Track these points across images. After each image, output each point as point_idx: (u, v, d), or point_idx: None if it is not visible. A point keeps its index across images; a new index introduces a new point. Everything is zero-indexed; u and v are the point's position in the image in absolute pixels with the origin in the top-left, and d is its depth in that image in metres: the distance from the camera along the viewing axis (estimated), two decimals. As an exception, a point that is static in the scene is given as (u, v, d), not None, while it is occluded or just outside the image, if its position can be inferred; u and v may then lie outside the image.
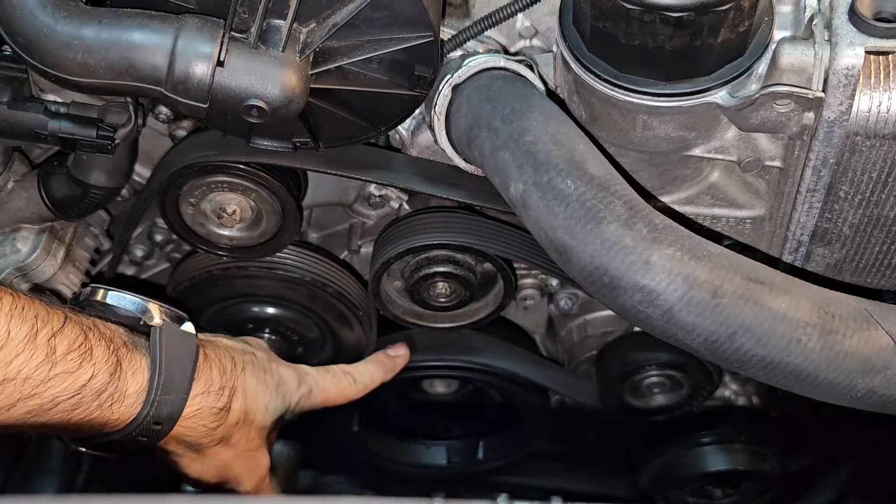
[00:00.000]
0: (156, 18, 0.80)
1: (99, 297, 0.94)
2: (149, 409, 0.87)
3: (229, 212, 1.06)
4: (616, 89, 0.84)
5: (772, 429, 1.47)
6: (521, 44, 0.99)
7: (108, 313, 0.92)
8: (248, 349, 1.05)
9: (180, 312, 0.96)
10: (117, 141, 0.97)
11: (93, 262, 1.22)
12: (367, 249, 1.21)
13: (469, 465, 1.52)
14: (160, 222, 1.21)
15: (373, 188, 1.14)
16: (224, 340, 1.04)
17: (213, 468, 1.00)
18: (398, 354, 1.23)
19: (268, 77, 0.81)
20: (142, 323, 0.93)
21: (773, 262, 1.00)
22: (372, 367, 1.19)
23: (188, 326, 0.96)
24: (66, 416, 0.83)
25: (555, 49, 0.91)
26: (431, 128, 0.96)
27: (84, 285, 0.96)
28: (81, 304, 0.93)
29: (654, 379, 1.30)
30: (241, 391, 0.98)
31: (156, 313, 0.93)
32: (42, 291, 1.17)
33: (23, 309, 0.79)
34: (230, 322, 1.21)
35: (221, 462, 1.00)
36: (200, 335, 1.01)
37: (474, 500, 0.70)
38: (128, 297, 0.94)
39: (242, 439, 1.00)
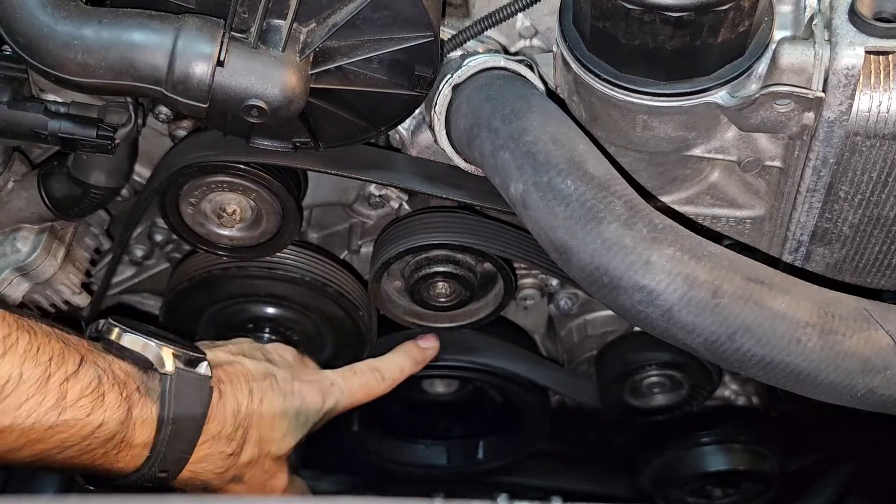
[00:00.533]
0: (156, 18, 0.80)
1: (114, 336, 0.91)
2: (154, 459, 0.87)
3: (229, 212, 1.06)
4: (616, 89, 0.84)
5: (772, 429, 1.47)
6: (521, 44, 0.99)
7: (122, 353, 0.90)
8: (270, 371, 1.02)
9: (196, 354, 0.94)
10: (117, 141, 0.97)
11: (93, 262, 1.22)
12: (367, 249, 1.21)
13: (469, 465, 1.52)
14: (160, 222, 1.21)
15: (373, 188, 1.14)
16: (245, 364, 1.01)
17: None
18: (429, 346, 1.21)
19: (268, 77, 0.81)
20: (155, 368, 0.91)
21: (773, 262, 1.00)
22: (401, 360, 1.17)
23: (203, 368, 0.93)
24: (72, 461, 0.83)
25: (555, 49, 0.91)
26: (431, 128, 0.96)
27: (101, 315, 0.94)
28: (97, 337, 0.91)
29: (654, 379, 1.30)
30: (255, 429, 0.97)
31: (168, 361, 0.90)
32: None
33: (38, 350, 0.79)
34: (230, 322, 1.21)
35: (234, 495, 0.99)
36: (220, 353, 0.99)
37: (474, 500, 0.70)
38: (141, 339, 0.91)
39: (257, 473, 0.99)
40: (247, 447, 0.96)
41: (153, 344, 0.90)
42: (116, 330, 0.91)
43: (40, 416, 0.78)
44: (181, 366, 0.91)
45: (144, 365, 0.90)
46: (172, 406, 0.88)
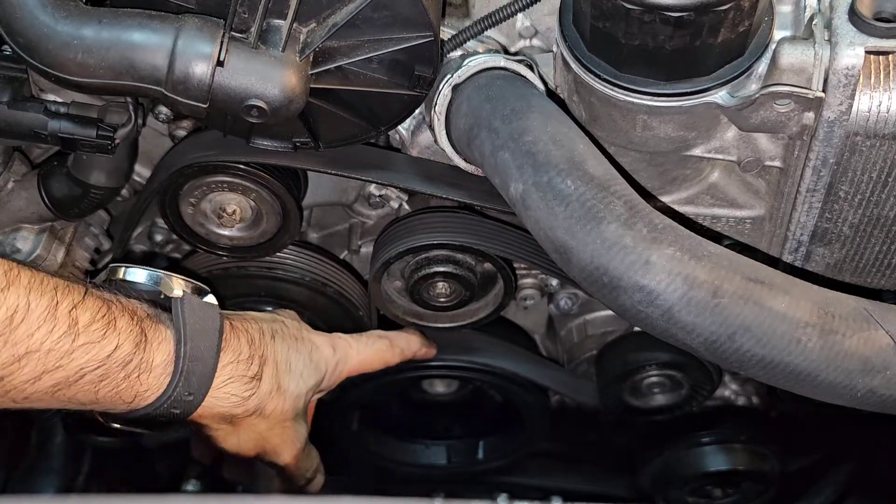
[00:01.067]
0: (156, 18, 0.80)
1: (119, 275, 0.93)
2: (178, 378, 0.86)
3: (229, 212, 1.06)
4: (616, 89, 0.84)
5: (772, 429, 1.47)
6: (521, 44, 0.99)
7: (128, 290, 0.90)
8: (278, 318, 1.03)
9: (201, 285, 0.95)
10: (117, 141, 0.97)
11: (93, 262, 1.22)
12: (367, 249, 1.21)
13: (469, 465, 1.52)
14: (160, 222, 1.21)
15: (373, 188, 1.14)
16: (251, 313, 1.02)
17: (249, 440, 0.99)
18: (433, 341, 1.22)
19: (268, 77, 0.81)
20: (163, 297, 0.91)
21: (773, 262, 1.00)
22: (410, 336, 1.18)
23: (210, 298, 0.95)
24: (94, 389, 0.82)
25: (555, 49, 0.91)
26: (431, 128, 0.96)
27: (104, 267, 0.95)
28: (101, 284, 0.92)
29: (654, 379, 1.30)
30: (271, 360, 0.96)
31: (176, 285, 0.92)
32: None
33: (41, 282, 0.78)
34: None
35: (258, 433, 0.98)
36: (226, 311, 0.99)
37: (474, 500, 0.70)
38: (147, 271, 0.93)
39: (277, 409, 0.98)
40: (265, 376, 0.95)
41: (159, 273, 0.92)
42: (122, 269, 0.92)
43: (54, 342, 0.78)
44: (188, 292, 0.92)
45: (153, 298, 0.90)
46: (187, 325, 0.88)
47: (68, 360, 0.79)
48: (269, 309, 1.19)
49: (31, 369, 0.77)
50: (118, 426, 0.93)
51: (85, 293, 0.81)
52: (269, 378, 0.96)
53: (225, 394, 0.92)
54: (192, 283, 0.95)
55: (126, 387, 0.84)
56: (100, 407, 0.87)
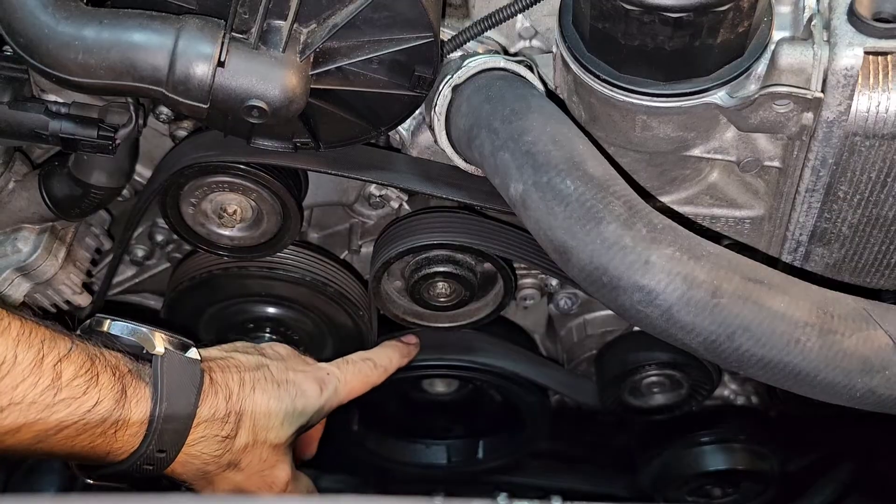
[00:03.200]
0: (156, 19, 0.80)
1: (104, 327, 0.94)
2: (152, 437, 0.88)
3: (230, 212, 1.06)
4: (615, 89, 0.84)
5: (771, 429, 1.47)
6: (521, 44, 0.99)
7: (112, 342, 0.92)
8: (263, 363, 1.03)
9: (185, 340, 0.96)
10: (118, 141, 0.97)
11: (94, 262, 1.22)
12: (367, 249, 1.22)
13: (469, 465, 1.52)
14: (161, 222, 1.21)
15: (373, 188, 1.14)
16: (237, 357, 1.02)
17: (226, 491, 1.00)
18: (411, 342, 1.24)
19: (268, 77, 0.81)
20: (145, 352, 0.93)
21: (773, 262, 1.00)
22: (389, 351, 1.19)
23: (193, 353, 0.95)
24: (71, 443, 0.83)
25: (554, 49, 0.92)
26: (431, 128, 0.96)
27: (89, 315, 0.97)
28: (86, 334, 0.93)
29: (654, 378, 1.30)
30: (249, 414, 0.97)
31: (158, 342, 0.93)
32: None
33: (30, 334, 0.80)
34: (231, 322, 1.22)
35: (235, 485, 0.99)
36: (213, 350, 1.00)
37: (474, 500, 0.70)
38: (130, 326, 0.94)
39: (254, 461, 0.99)
40: (241, 432, 0.96)
41: (143, 329, 0.93)
42: (107, 322, 0.93)
43: (37, 395, 0.79)
44: (171, 348, 0.93)
45: (135, 352, 0.91)
46: (165, 383, 0.89)
47: (49, 414, 0.80)
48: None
49: (12, 421, 0.79)
50: (90, 481, 0.94)
51: (71, 347, 0.83)
52: (246, 433, 0.97)
53: (198, 451, 0.93)
54: (175, 338, 0.95)
55: (102, 442, 0.85)
56: (75, 459, 0.89)
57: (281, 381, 1.02)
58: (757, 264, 0.79)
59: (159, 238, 1.24)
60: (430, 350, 1.28)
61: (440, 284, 1.12)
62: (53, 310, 1.19)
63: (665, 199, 1.00)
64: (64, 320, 1.12)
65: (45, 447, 0.82)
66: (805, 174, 0.88)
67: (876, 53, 0.80)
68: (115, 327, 0.94)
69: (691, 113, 0.85)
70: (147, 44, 0.79)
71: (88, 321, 0.95)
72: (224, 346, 1.05)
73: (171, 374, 0.90)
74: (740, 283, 0.75)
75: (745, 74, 0.83)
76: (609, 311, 1.25)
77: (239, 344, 1.07)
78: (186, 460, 0.93)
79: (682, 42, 0.78)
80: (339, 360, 1.13)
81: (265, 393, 1.00)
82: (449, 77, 0.92)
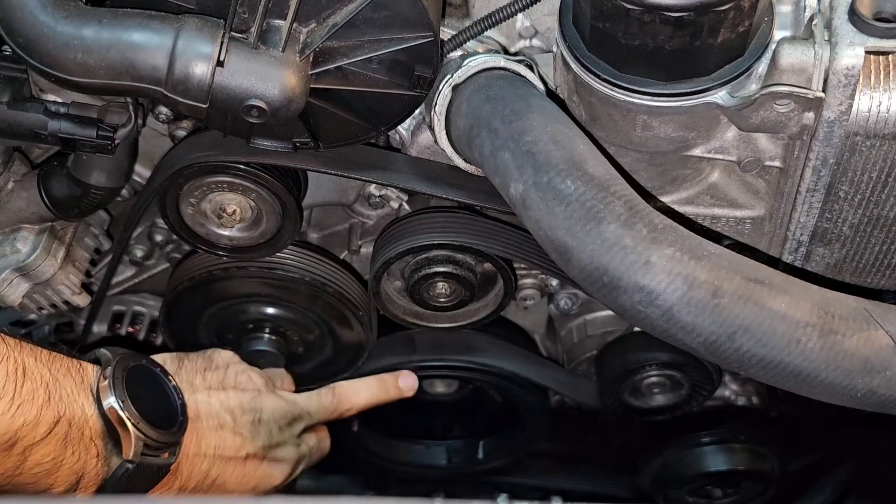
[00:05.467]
0: (156, 18, 0.80)
1: (101, 388, 0.91)
2: None
3: (229, 212, 1.06)
4: (616, 89, 0.84)
5: (772, 429, 1.47)
6: (521, 44, 0.99)
7: (101, 411, 0.90)
8: (241, 450, 1.06)
9: (166, 441, 0.94)
10: (117, 141, 0.97)
11: (93, 262, 1.22)
12: (367, 249, 1.21)
13: (469, 465, 1.52)
14: (160, 222, 1.21)
15: (373, 188, 1.14)
16: (221, 436, 1.05)
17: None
18: (407, 385, 1.27)
19: (268, 77, 0.81)
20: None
21: (773, 262, 1.00)
22: (368, 386, 1.24)
23: (168, 455, 0.95)
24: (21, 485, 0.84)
25: (555, 49, 0.91)
26: (431, 128, 0.96)
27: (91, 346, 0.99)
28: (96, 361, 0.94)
29: (654, 379, 1.30)
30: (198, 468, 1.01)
31: (135, 447, 0.90)
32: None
33: (18, 408, 0.81)
34: (230, 322, 1.21)
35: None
36: (201, 407, 1.03)
37: (474, 500, 0.70)
38: (120, 415, 0.90)
39: (194, 472, 1.02)
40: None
41: (130, 427, 0.90)
42: (107, 392, 0.90)
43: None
44: (147, 453, 0.92)
45: (114, 436, 0.90)
46: (122, 487, 0.90)
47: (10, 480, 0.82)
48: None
49: None
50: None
51: (49, 431, 0.84)
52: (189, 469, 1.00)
53: None
54: (157, 441, 0.92)
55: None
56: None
57: (257, 462, 1.08)
58: (757, 264, 0.79)
59: (158, 238, 1.24)
60: (430, 350, 1.28)
61: (440, 284, 1.12)
62: (52, 310, 1.19)
63: (666, 199, 1.00)
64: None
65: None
66: (806, 174, 0.88)
67: (877, 53, 0.80)
68: (108, 402, 0.90)
69: (692, 113, 0.85)
70: (146, 43, 0.79)
71: (101, 361, 0.94)
72: (210, 401, 1.06)
73: (132, 481, 0.91)
74: (741, 284, 0.75)
75: (746, 74, 0.83)
76: (609, 312, 1.25)
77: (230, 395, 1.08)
78: None
79: (682, 42, 0.78)
80: (312, 392, 1.21)
81: (234, 479, 1.05)
82: (449, 77, 0.92)
